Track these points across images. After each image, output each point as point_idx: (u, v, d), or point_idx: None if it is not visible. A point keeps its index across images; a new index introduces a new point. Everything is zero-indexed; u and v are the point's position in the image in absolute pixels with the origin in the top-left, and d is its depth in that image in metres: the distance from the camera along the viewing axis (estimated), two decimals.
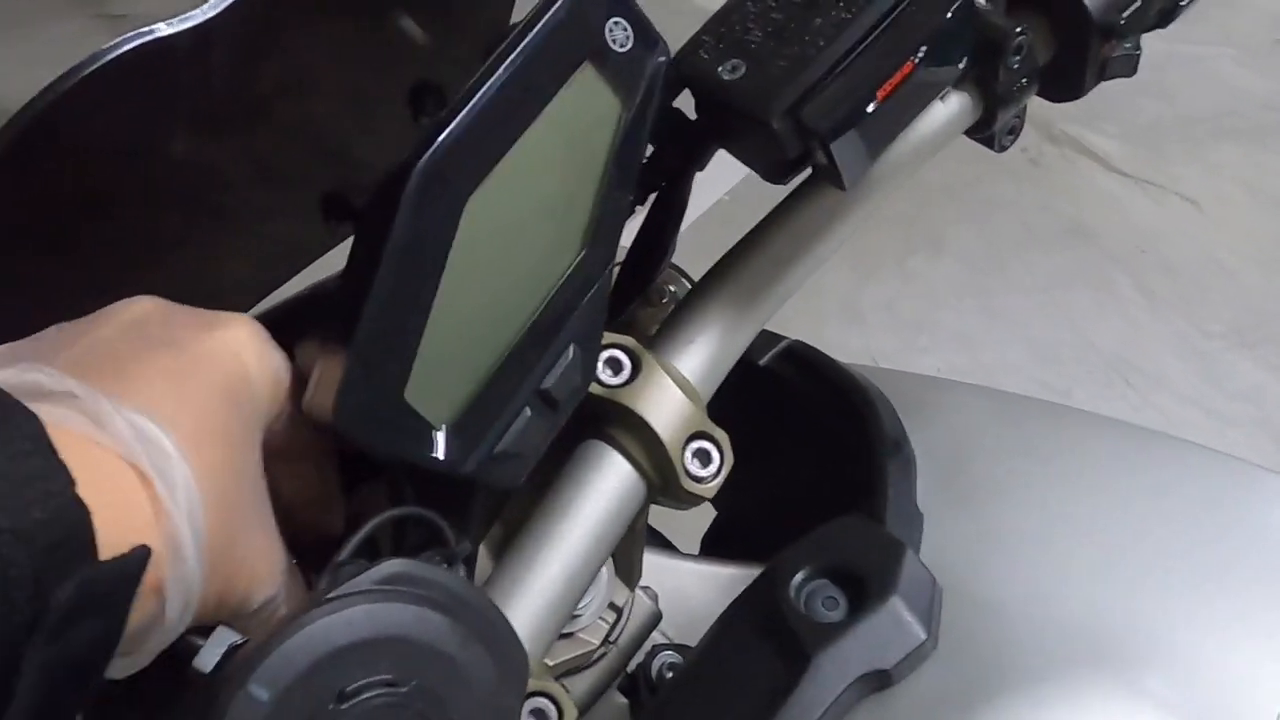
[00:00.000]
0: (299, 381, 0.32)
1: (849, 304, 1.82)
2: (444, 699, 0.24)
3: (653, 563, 0.51)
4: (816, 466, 0.56)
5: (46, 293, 0.37)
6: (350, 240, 0.33)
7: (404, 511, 0.30)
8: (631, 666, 0.48)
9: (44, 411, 0.23)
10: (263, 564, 0.30)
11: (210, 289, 0.49)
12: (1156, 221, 1.94)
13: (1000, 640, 0.38)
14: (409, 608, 0.24)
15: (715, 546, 0.68)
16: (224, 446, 0.28)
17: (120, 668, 0.26)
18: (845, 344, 1.71)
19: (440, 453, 0.31)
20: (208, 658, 0.27)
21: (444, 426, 0.31)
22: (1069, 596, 0.39)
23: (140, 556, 0.23)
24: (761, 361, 0.59)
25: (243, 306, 0.48)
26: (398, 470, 0.33)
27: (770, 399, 0.59)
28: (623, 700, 0.48)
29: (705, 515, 0.71)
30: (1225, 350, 1.71)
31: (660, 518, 0.69)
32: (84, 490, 0.23)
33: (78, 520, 0.22)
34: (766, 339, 0.60)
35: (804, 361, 0.57)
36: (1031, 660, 0.37)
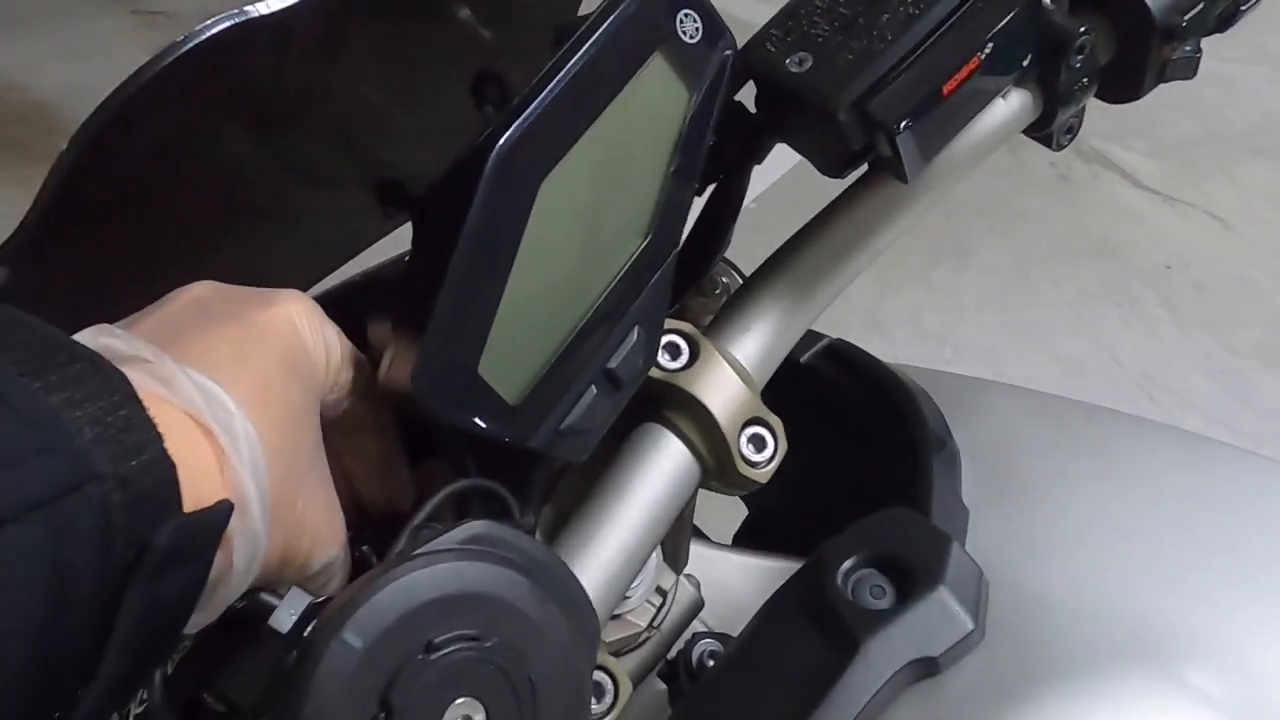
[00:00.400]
0: (361, 360, 0.33)
1: (872, 316, 1.82)
2: (525, 655, 0.24)
3: (695, 553, 0.51)
4: (858, 463, 0.56)
5: (100, 287, 0.38)
6: (402, 228, 0.35)
7: (474, 483, 0.31)
8: (672, 653, 0.49)
9: (139, 373, 0.25)
10: (325, 525, 0.31)
11: (256, 281, 0.51)
12: (1185, 239, 1.93)
13: (1045, 632, 0.38)
14: (491, 567, 0.25)
15: (748, 543, 0.68)
16: (284, 408, 0.29)
17: (190, 623, 0.27)
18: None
19: (510, 426, 0.32)
20: (284, 616, 0.28)
21: (515, 401, 0.32)
22: (1113, 591, 0.39)
23: (224, 509, 0.24)
24: (803, 359, 0.59)
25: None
26: (461, 444, 0.34)
27: (811, 396, 0.60)
28: (661, 687, 0.49)
29: (734, 516, 0.72)
30: (1254, 369, 1.70)
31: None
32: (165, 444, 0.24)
33: (167, 472, 0.23)
34: (808, 337, 0.61)
35: (846, 359, 0.58)
36: (1076, 653, 0.37)
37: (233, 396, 0.27)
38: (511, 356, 0.32)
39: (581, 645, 0.26)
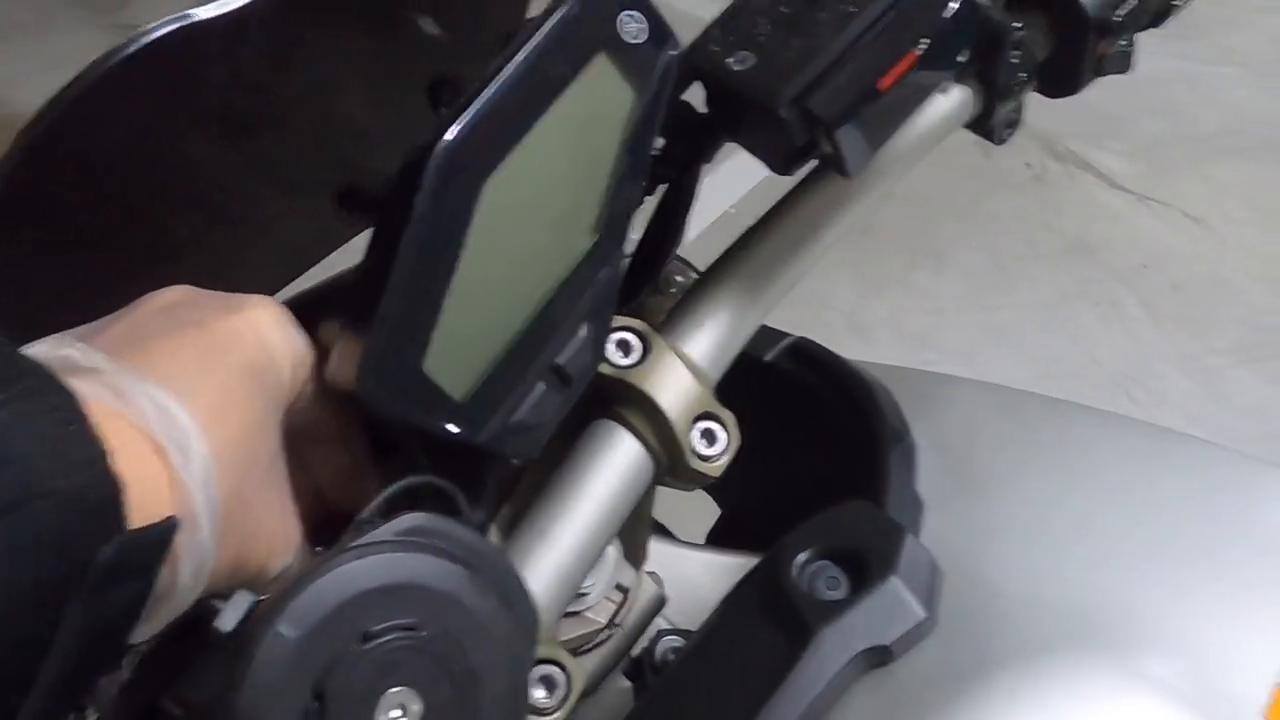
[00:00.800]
0: (322, 360, 0.33)
1: (853, 319, 1.83)
2: (463, 645, 0.25)
3: (659, 550, 0.52)
4: (821, 459, 0.57)
5: (66, 293, 0.38)
6: (367, 233, 0.35)
7: (419, 480, 0.31)
8: (637, 650, 0.49)
9: (74, 385, 0.25)
10: (278, 536, 0.31)
11: (226, 285, 0.51)
12: (1160, 238, 1.95)
13: (999, 620, 0.39)
14: (428, 557, 0.25)
15: (720, 542, 0.69)
16: (243, 420, 0.29)
17: (136, 634, 0.27)
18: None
19: (456, 422, 0.32)
20: (228, 618, 0.28)
21: (461, 397, 0.33)
22: (1066, 579, 0.40)
23: (169, 526, 0.25)
24: (767, 357, 0.60)
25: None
26: (414, 442, 0.34)
27: (776, 394, 0.60)
28: (627, 684, 0.49)
29: (709, 515, 0.72)
30: (1231, 367, 1.72)
31: (666, 516, 0.70)
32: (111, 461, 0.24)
33: (112, 489, 0.23)
34: (772, 336, 0.61)
35: (809, 357, 0.58)
36: (1029, 639, 0.38)
37: (189, 411, 0.27)
38: (458, 353, 0.33)
39: (521, 635, 0.26)
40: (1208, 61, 2.28)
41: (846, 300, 1.86)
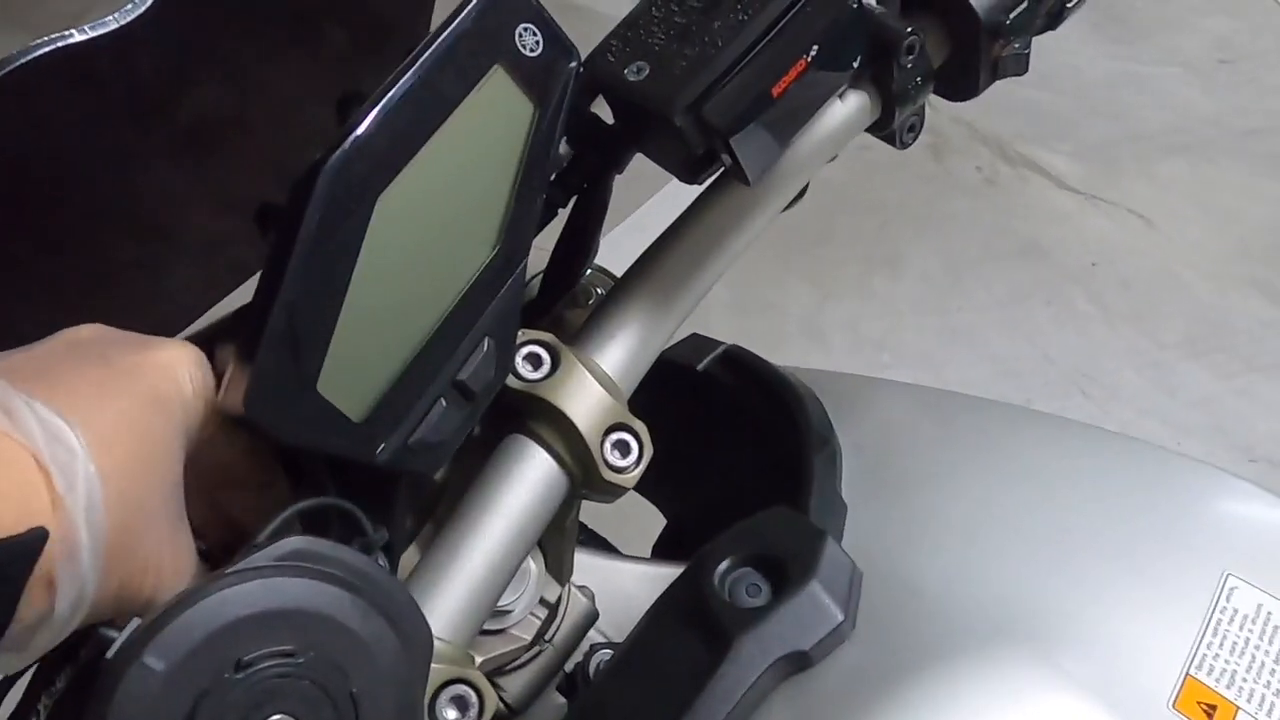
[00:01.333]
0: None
1: (811, 325, 1.84)
2: (345, 669, 0.24)
3: (592, 564, 0.52)
4: (753, 465, 0.57)
5: None
6: None
7: (317, 501, 0.31)
8: (570, 666, 0.48)
9: None
10: (169, 566, 0.30)
11: (158, 303, 0.50)
12: (1109, 237, 1.98)
13: (917, 621, 0.39)
14: (307, 581, 0.25)
15: (666, 551, 0.69)
16: (138, 451, 0.28)
17: (4, 664, 0.26)
18: (809, 364, 1.73)
19: (354, 443, 0.32)
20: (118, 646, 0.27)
21: (359, 418, 0.32)
22: (983, 578, 0.40)
23: (37, 537, 0.24)
24: (700, 366, 0.60)
25: (189, 319, 0.49)
26: (316, 463, 0.34)
27: (710, 403, 0.60)
28: (562, 700, 0.49)
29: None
30: (1180, 360, 1.74)
31: (612, 529, 0.70)
32: None
33: None
34: (705, 345, 0.62)
35: (740, 364, 0.58)
36: (945, 639, 0.38)
37: (81, 437, 0.26)
38: (355, 372, 0.32)
39: (410, 657, 0.26)
40: (1151, 63, 2.32)
41: (805, 307, 1.87)
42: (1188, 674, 0.35)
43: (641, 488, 0.67)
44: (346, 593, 0.25)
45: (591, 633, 0.49)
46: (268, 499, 0.35)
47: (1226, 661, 0.36)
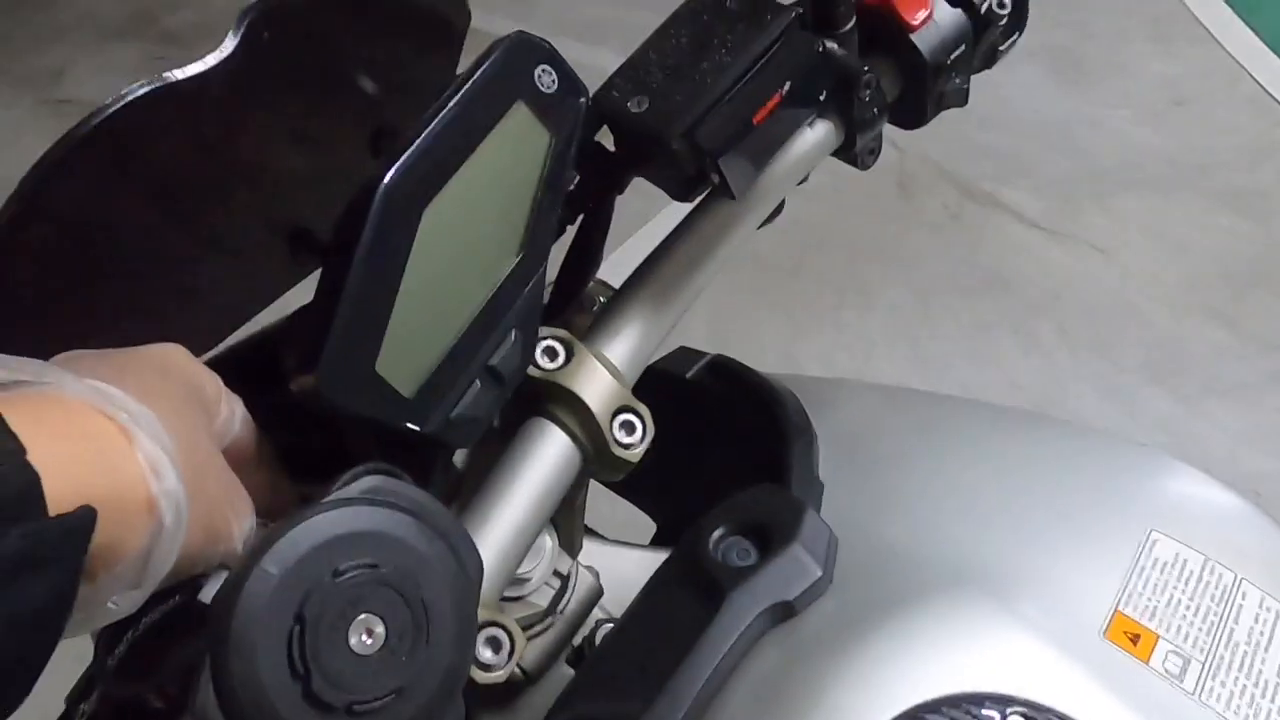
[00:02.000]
0: (237, 399, 0.38)
1: (787, 357, 1.91)
2: (416, 580, 0.30)
3: (596, 549, 0.57)
4: (741, 461, 0.63)
5: None
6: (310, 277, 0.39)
7: (377, 465, 0.36)
8: (578, 640, 0.54)
9: (11, 393, 0.28)
10: (238, 498, 0.35)
11: (192, 324, 0.54)
12: (1070, 269, 2.07)
13: (887, 574, 0.45)
14: (385, 510, 0.30)
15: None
16: (173, 406, 0.33)
17: (130, 601, 0.30)
18: None
19: (406, 415, 0.38)
20: (210, 589, 0.33)
21: (410, 394, 0.38)
22: (943, 537, 0.46)
23: (87, 514, 0.26)
24: (688, 375, 0.66)
25: (219, 339, 0.53)
26: (366, 439, 0.40)
27: (698, 409, 0.66)
28: (570, 671, 0.54)
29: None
30: (1140, 385, 1.82)
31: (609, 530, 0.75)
32: (54, 443, 0.26)
33: (27, 481, 0.25)
34: (693, 355, 0.68)
35: (725, 371, 0.65)
36: (912, 588, 0.44)
37: (129, 393, 0.30)
38: (405, 356, 0.38)
39: (465, 576, 0.31)
40: (1104, 104, 2.44)
41: (779, 341, 1.94)
42: (1117, 609, 0.41)
43: (633, 493, 0.73)
44: (415, 520, 0.31)
45: (596, 610, 0.54)
46: (269, 474, 0.40)
47: (1150, 599, 0.42)
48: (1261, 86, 2.48)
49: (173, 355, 0.36)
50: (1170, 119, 2.43)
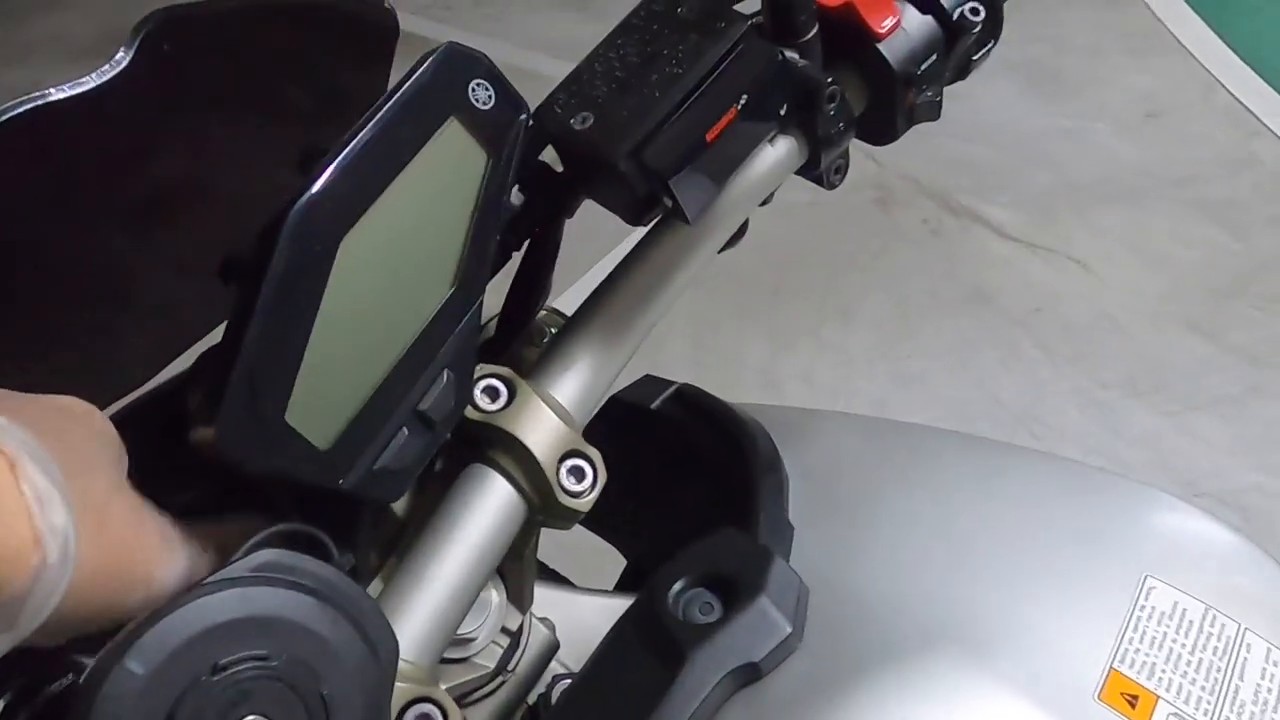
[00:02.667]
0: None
1: (767, 375, 1.88)
2: (316, 672, 0.26)
3: (553, 597, 0.53)
4: (708, 499, 0.59)
5: None
6: None
7: (286, 526, 0.33)
8: (533, 698, 0.50)
9: None
10: (161, 543, 0.30)
11: (110, 364, 0.50)
12: (1050, 283, 2.05)
13: (861, 629, 0.41)
14: (279, 590, 0.26)
15: (628, 591, 0.70)
16: (76, 449, 0.30)
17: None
18: None
19: (321, 470, 0.34)
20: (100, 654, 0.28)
21: (325, 446, 0.34)
22: (920, 588, 0.42)
23: None
24: (653, 405, 0.62)
25: (143, 379, 0.50)
26: (280, 490, 0.35)
27: (664, 440, 0.63)
28: None
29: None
30: (1121, 399, 1.80)
31: (577, 570, 0.71)
32: None
33: None
34: (658, 385, 0.64)
35: (691, 402, 0.61)
36: (890, 644, 0.40)
37: (13, 422, 0.27)
38: (321, 403, 0.34)
39: (377, 663, 0.27)
40: (1081, 118, 2.43)
41: (760, 357, 1.90)
42: (1111, 667, 0.38)
43: (601, 528, 0.69)
44: (316, 601, 0.27)
45: (553, 664, 0.50)
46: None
47: (1147, 655, 0.38)
48: (1235, 98, 2.48)
49: (78, 404, 0.33)
50: (1146, 131, 2.42)
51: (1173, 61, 2.63)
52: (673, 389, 0.63)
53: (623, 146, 0.37)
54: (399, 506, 0.42)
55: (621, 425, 0.52)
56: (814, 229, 2.05)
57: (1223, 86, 2.51)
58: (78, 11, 3.02)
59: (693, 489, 0.62)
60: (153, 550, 0.31)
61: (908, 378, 1.87)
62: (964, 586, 0.42)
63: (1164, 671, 0.38)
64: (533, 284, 0.45)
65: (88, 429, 0.32)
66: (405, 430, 0.36)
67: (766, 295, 2.01)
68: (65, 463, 0.28)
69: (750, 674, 0.40)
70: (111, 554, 0.29)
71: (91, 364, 0.49)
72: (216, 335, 0.52)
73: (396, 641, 0.30)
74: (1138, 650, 0.38)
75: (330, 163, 0.34)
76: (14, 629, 0.26)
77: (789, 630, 0.40)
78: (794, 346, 1.93)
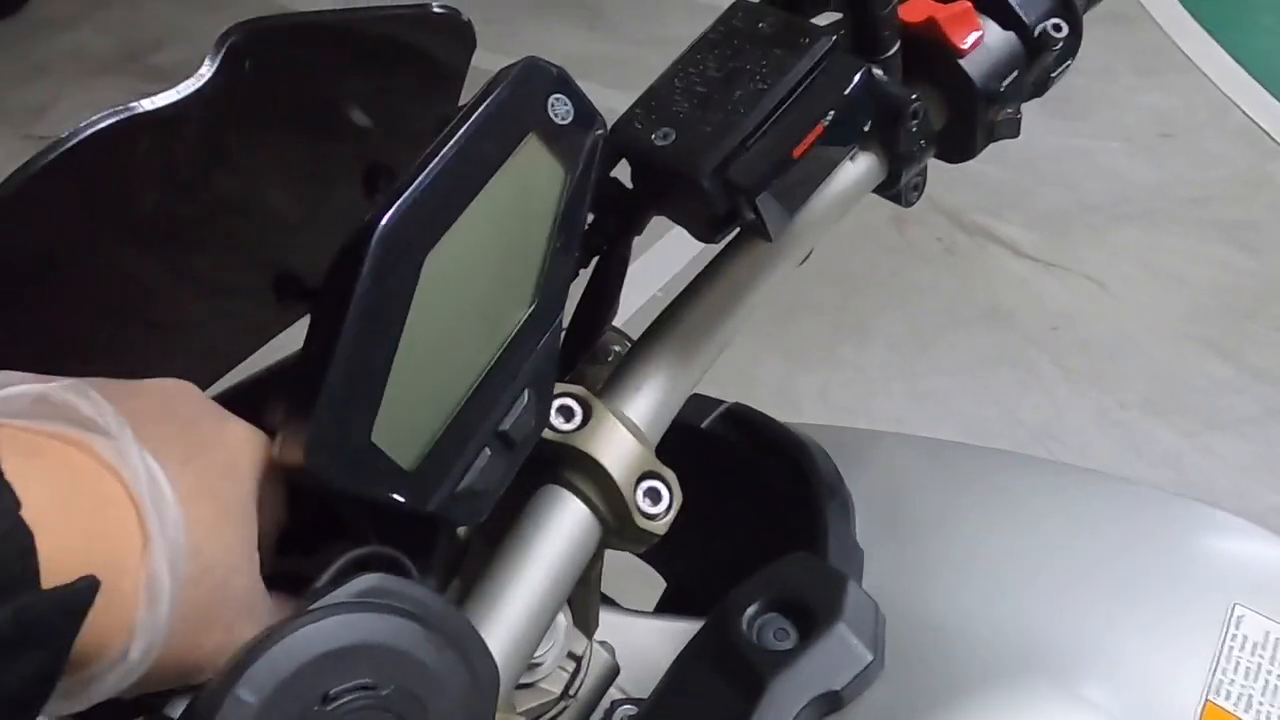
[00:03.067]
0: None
1: (784, 394, 1.87)
2: (423, 702, 0.25)
3: (609, 620, 0.52)
4: (761, 520, 0.58)
5: None
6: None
7: (373, 550, 0.32)
8: None
9: (66, 431, 0.25)
10: (242, 628, 0.30)
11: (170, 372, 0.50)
12: (1066, 302, 2.04)
13: (942, 658, 0.40)
14: (385, 617, 0.25)
15: (668, 611, 0.69)
16: (214, 511, 0.29)
17: (60, 709, 0.26)
18: None
19: (406, 491, 0.33)
20: (176, 707, 0.28)
21: (410, 467, 0.33)
22: (1002, 613, 0.41)
23: (86, 587, 0.23)
24: (703, 425, 0.62)
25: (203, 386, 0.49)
26: (361, 515, 0.35)
27: (713, 461, 0.62)
28: None
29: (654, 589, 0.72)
30: (1141, 419, 1.79)
31: (614, 589, 0.70)
32: (83, 515, 0.23)
33: (20, 544, 0.22)
34: (706, 404, 0.63)
35: (744, 421, 0.60)
36: (972, 673, 0.39)
37: (174, 486, 0.27)
38: (406, 423, 0.33)
39: (480, 691, 0.27)
40: (1094, 137, 2.44)
41: (776, 376, 1.90)
42: (1207, 700, 0.37)
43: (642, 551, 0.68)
44: (420, 627, 0.26)
45: (611, 689, 0.49)
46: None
47: (1243, 686, 0.37)
48: (1250, 118, 2.49)
49: (230, 429, 0.32)
50: (1160, 151, 2.43)
51: (1186, 81, 2.64)
52: (723, 408, 0.62)
53: (707, 163, 0.36)
54: (462, 528, 0.41)
55: (668, 444, 0.51)
56: (829, 246, 2.04)
57: (1237, 107, 2.52)
58: (95, 29, 3.04)
59: (743, 510, 0.61)
60: (257, 616, 0.30)
61: (924, 396, 1.87)
62: (1045, 614, 0.41)
63: (1261, 703, 0.37)
64: (601, 302, 0.44)
65: (238, 474, 0.31)
66: (488, 451, 0.35)
67: (782, 313, 2.00)
68: (199, 530, 0.27)
69: (832, 703, 0.38)
70: (209, 626, 0.28)
71: (153, 369, 0.49)
72: (254, 360, 0.51)
73: (498, 670, 0.29)
74: (1232, 681, 0.37)
75: (414, 179, 0.34)
76: (80, 698, 0.25)
77: (870, 658, 0.39)
78: (810, 365, 1.92)
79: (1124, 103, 2.55)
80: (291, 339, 0.49)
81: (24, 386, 0.26)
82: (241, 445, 0.32)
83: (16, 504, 0.22)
